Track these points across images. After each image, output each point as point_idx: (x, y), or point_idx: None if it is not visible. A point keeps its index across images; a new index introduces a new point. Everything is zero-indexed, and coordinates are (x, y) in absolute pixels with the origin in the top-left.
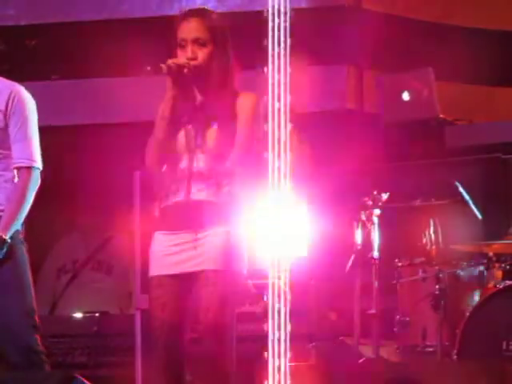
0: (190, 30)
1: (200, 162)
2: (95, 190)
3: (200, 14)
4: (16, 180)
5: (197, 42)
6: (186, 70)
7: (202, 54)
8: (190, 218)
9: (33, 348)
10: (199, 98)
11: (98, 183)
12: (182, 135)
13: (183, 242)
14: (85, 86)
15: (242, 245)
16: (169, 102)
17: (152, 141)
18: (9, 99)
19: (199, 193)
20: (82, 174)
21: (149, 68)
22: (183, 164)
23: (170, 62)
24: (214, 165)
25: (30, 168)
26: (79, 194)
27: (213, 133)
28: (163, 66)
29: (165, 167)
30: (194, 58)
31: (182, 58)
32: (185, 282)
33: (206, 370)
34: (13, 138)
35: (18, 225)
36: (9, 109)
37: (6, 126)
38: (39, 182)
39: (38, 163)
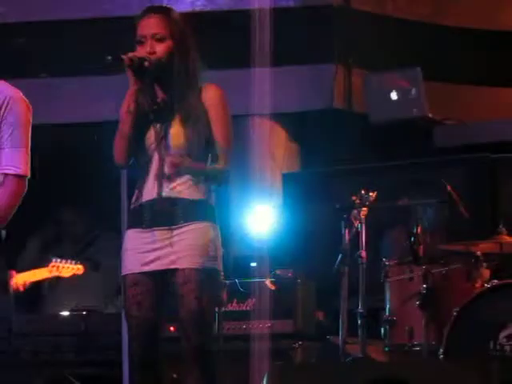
0: (149, 26)
1: (170, 160)
2: (82, 187)
3: (159, 10)
4: (1, 187)
5: (155, 37)
6: (146, 63)
7: (160, 49)
8: (163, 216)
9: (7, 349)
10: (162, 95)
11: (86, 180)
12: (150, 133)
13: (157, 240)
14: (73, 84)
15: (216, 241)
16: (132, 96)
17: (118, 135)
18: (2, 105)
19: (171, 190)
20: (70, 171)
21: (109, 57)
22: (153, 162)
23: (130, 54)
24: (184, 162)
25: (17, 176)
26: (66, 191)
27: (180, 130)
28: (125, 57)
29: (134, 163)
30: (153, 53)
31: (141, 52)
32: (160, 279)
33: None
34: (3, 144)
35: None
36: (1, 115)
37: None
38: (25, 190)
39: (26, 172)
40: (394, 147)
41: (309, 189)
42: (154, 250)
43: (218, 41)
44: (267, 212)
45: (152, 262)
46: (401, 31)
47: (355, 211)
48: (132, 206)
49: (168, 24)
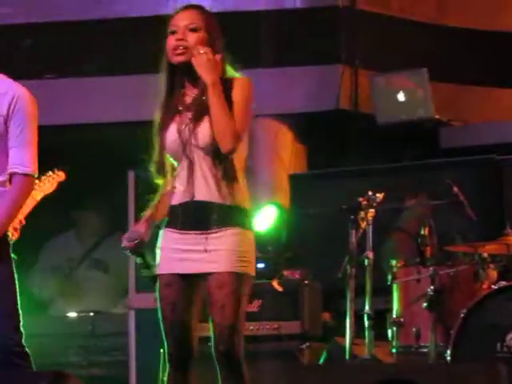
0: (182, 17)
1: (201, 160)
2: (90, 188)
3: (194, 6)
4: (9, 185)
5: (189, 27)
6: (178, 51)
7: (192, 38)
8: (198, 219)
9: (11, 349)
10: (192, 92)
11: (93, 182)
12: (179, 131)
13: (192, 243)
14: (79, 85)
15: (252, 245)
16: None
17: None
18: (11, 104)
19: (208, 194)
20: (77, 172)
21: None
22: (184, 163)
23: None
24: (216, 162)
25: (24, 175)
26: (74, 192)
27: (207, 127)
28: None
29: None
30: (184, 40)
31: (172, 41)
32: (194, 281)
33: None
34: (11, 144)
35: (5, 230)
36: (10, 114)
37: (6, 131)
38: (32, 189)
39: (34, 171)
40: (400, 148)
41: (316, 190)
42: (189, 251)
43: (225, 41)
44: (274, 213)
45: (187, 264)
46: (407, 32)
47: (362, 212)
48: (168, 208)
49: (202, 17)
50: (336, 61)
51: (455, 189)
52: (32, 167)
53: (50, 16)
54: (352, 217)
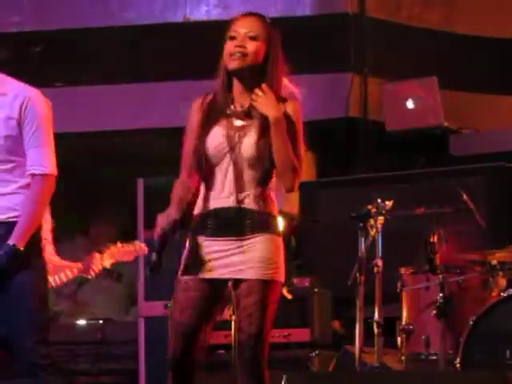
0: (244, 24)
1: (241, 167)
2: (99, 196)
3: (257, 14)
4: (30, 187)
5: (248, 34)
6: (235, 57)
7: (251, 46)
8: (230, 225)
9: (36, 362)
10: (242, 99)
11: (102, 190)
12: (222, 137)
13: (222, 249)
14: (88, 93)
15: (281, 252)
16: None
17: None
18: (22, 106)
19: (240, 200)
20: (87, 181)
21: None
22: (223, 167)
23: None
24: (254, 172)
25: (43, 175)
26: (83, 200)
27: (255, 139)
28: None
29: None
30: (243, 47)
31: (230, 46)
32: (216, 288)
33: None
34: (26, 145)
35: (31, 232)
36: (22, 116)
37: (20, 133)
38: (53, 188)
39: (52, 170)
40: (409, 156)
41: (325, 198)
42: (218, 258)
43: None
44: (283, 221)
45: (213, 269)
46: (417, 40)
47: (371, 220)
48: (197, 212)
49: (263, 26)
50: (346, 68)
51: (465, 196)
52: (50, 167)
53: (60, 23)
54: (361, 224)
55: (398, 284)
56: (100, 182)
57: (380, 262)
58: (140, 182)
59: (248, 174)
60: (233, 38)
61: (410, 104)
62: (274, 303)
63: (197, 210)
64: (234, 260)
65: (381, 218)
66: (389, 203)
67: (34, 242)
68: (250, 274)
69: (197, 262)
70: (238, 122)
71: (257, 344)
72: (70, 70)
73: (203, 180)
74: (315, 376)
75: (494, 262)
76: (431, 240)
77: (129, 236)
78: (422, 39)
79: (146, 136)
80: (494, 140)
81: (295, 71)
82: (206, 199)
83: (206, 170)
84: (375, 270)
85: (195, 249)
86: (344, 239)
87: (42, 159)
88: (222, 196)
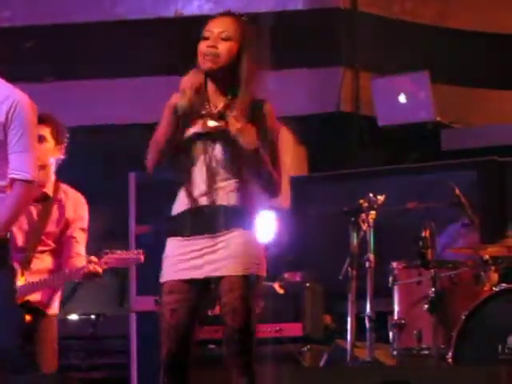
0: (217, 24)
1: (215, 167)
2: (91, 191)
3: (233, 14)
4: (9, 191)
5: (221, 35)
6: (207, 58)
7: (222, 47)
8: (205, 223)
9: (22, 361)
10: (218, 96)
11: (94, 185)
12: (198, 141)
13: (199, 248)
14: (79, 88)
15: (261, 247)
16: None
17: (158, 136)
18: (9, 110)
19: (214, 197)
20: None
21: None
22: (198, 169)
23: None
24: (228, 170)
25: (24, 181)
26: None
27: (227, 139)
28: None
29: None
30: (215, 47)
31: (203, 46)
32: (199, 286)
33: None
34: (10, 149)
35: (2, 236)
36: (9, 120)
37: (5, 137)
38: (33, 195)
39: (34, 176)
40: (401, 150)
41: (317, 192)
42: (198, 257)
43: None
44: (275, 215)
45: (194, 269)
46: (409, 34)
47: (363, 215)
48: (175, 213)
49: (237, 27)
50: (337, 63)
51: (456, 191)
52: (32, 173)
53: (51, 18)
54: (353, 219)
55: (390, 278)
56: (92, 176)
57: (372, 257)
58: (132, 176)
59: (222, 173)
60: (206, 38)
61: (401, 98)
62: (255, 297)
63: (174, 210)
64: (213, 257)
65: (372, 213)
66: (380, 198)
67: (4, 243)
68: (230, 270)
69: (176, 264)
70: (212, 123)
71: (242, 338)
72: (61, 65)
73: (180, 180)
74: (307, 370)
75: (486, 256)
76: (423, 235)
77: (116, 236)
78: (414, 34)
79: (141, 130)
80: (486, 134)
81: (286, 66)
82: (183, 199)
83: (182, 170)
84: (367, 264)
85: (173, 251)
86: (336, 234)
87: (25, 165)
88: (197, 195)
